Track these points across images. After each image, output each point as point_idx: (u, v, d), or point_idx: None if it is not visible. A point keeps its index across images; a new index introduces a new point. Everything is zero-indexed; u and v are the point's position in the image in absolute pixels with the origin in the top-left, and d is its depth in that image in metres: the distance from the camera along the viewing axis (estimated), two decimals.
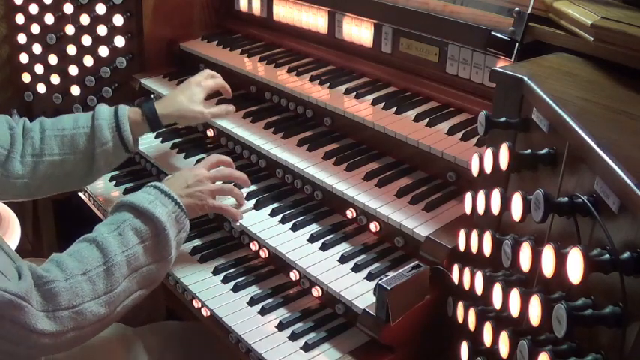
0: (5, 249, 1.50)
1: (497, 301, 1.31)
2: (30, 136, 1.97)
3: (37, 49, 2.79)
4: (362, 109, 2.11)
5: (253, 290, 1.87)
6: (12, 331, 1.41)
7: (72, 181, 2.08)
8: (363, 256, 1.80)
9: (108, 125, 2.01)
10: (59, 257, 1.56)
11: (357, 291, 1.68)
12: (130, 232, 1.62)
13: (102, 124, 2.00)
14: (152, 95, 2.29)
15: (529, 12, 1.73)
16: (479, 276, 1.41)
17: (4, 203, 2.77)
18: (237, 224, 1.96)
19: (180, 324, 2.18)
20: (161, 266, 1.68)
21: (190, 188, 1.83)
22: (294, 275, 1.85)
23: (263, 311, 1.78)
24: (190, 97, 2.14)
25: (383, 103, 2.12)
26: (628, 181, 0.98)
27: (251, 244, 2.00)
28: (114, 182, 2.43)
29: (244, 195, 2.04)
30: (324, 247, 1.84)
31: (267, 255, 1.95)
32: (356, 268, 1.76)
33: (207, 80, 2.21)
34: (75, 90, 2.79)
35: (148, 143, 2.43)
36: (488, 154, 1.41)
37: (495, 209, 1.36)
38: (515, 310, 1.22)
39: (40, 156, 1.96)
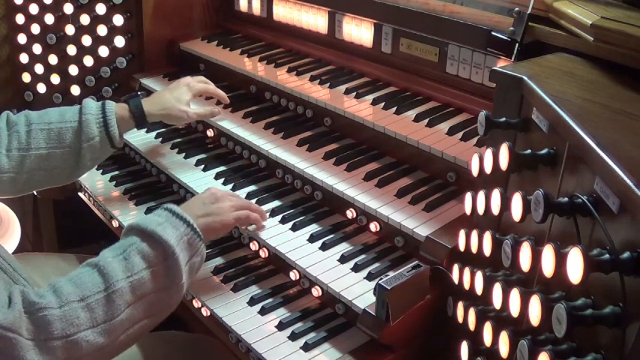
0: (4, 255, 1.48)
1: (497, 301, 1.31)
2: (15, 130, 1.95)
3: (37, 49, 2.79)
4: (362, 109, 2.11)
5: (253, 290, 1.87)
6: None
7: (59, 176, 2.06)
8: (363, 256, 1.80)
9: (95, 120, 2.00)
10: (57, 282, 1.44)
11: (357, 291, 1.68)
12: (137, 256, 1.50)
13: (89, 119, 1.99)
14: (139, 92, 2.30)
15: (529, 12, 1.73)
16: (479, 276, 1.41)
17: (4, 204, 2.77)
18: (251, 229, 1.92)
19: (189, 336, 2.16)
20: (171, 293, 1.56)
21: (207, 207, 1.74)
22: (294, 275, 1.85)
23: (263, 311, 1.78)
24: (178, 96, 2.17)
25: (383, 103, 2.12)
26: (628, 181, 0.98)
27: (251, 244, 2.00)
28: (114, 182, 2.43)
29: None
30: (324, 247, 1.84)
31: (267, 255, 1.95)
32: (356, 268, 1.76)
33: (197, 84, 2.25)
34: (75, 90, 2.79)
35: (148, 143, 2.44)
36: (488, 154, 1.41)
37: (495, 209, 1.36)
38: (515, 310, 1.22)
39: (27, 150, 1.95)
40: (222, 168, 2.25)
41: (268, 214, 1.99)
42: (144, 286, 1.49)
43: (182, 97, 2.17)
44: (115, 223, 2.28)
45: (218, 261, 1.98)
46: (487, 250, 1.38)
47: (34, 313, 1.35)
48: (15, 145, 1.94)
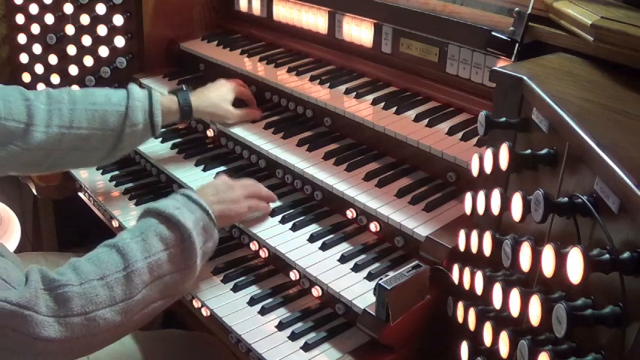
0: (7, 255, 1.48)
1: (497, 301, 1.31)
2: (58, 107, 1.94)
3: (37, 49, 2.79)
4: (362, 109, 2.11)
5: (253, 290, 1.87)
6: (16, 341, 1.35)
7: (94, 157, 2.07)
8: (363, 256, 1.80)
9: (142, 108, 2.02)
10: (77, 261, 1.49)
11: (357, 291, 1.68)
12: (155, 238, 1.55)
13: (137, 105, 2.01)
14: (183, 86, 2.29)
15: (529, 12, 1.73)
16: (479, 276, 1.41)
17: (5, 204, 2.77)
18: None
19: (189, 334, 2.16)
20: (185, 275, 1.60)
21: (220, 194, 1.79)
22: (294, 275, 1.85)
23: (263, 311, 1.78)
24: (223, 96, 2.22)
25: (383, 103, 2.12)
26: (628, 181, 0.98)
27: (251, 244, 2.00)
28: (114, 182, 2.42)
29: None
30: (324, 247, 1.84)
31: (267, 255, 1.95)
32: (356, 268, 1.76)
33: (239, 86, 2.29)
34: None
35: (149, 143, 2.42)
36: (488, 154, 1.41)
37: (495, 209, 1.36)
38: (515, 310, 1.22)
39: (69, 128, 1.94)
40: (222, 168, 2.25)
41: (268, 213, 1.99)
42: (161, 268, 1.54)
43: (227, 96, 2.22)
44: (115, 223, 2.28)
45: (218, 261, 1.98)
46: (487, 250, 1.38)
47: (54, 290, 1.40)
48: (56, 121, 1.92)
